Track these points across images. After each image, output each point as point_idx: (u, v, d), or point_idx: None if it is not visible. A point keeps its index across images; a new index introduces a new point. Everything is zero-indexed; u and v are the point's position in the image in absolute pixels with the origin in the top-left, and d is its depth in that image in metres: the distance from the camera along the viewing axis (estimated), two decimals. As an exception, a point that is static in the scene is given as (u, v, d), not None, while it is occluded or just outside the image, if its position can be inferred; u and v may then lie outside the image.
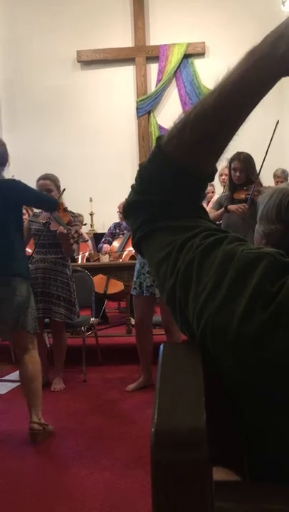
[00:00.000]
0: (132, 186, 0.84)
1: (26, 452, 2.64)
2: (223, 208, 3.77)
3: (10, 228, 2.75)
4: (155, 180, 0.79)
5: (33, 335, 2.83)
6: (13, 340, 2.82)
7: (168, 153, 0.76)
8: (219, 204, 3.90)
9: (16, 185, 2.85)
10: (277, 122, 3.73)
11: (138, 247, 0.83)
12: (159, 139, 0.81)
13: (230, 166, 3.74)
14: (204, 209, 0.85)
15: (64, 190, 3.68)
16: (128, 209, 0.84)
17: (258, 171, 3.73)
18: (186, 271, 0.69)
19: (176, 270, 0.71)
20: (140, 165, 0.83)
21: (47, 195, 3.43)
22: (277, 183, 5.29)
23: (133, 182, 0.85)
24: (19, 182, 2.88)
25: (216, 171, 0.83)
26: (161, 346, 0.62)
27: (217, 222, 4.09)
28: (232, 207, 3.68)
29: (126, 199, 0.85)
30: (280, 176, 5.54)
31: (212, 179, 0.82)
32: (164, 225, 0.77)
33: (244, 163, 3.65)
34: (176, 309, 0.72)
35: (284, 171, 5.58)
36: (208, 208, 5.34)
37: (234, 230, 3.62)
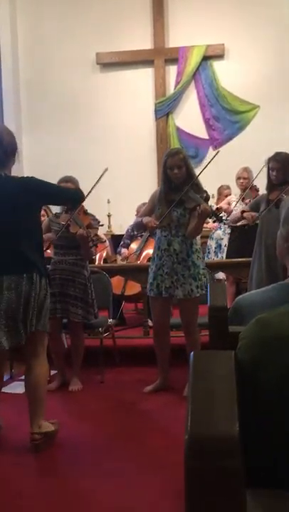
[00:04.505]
0: None
1: (33, 458, 2.60)
2: (239, 213, 3.90)
3: (27, 228, 2.63)
4: None
5: (46, 336, 2.78)
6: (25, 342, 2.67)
7: None
8: (256, 204, 3.93)
9: (33, 183, 2.68)
10: None
11: None
12: None
13: (268, 165, 3.75)
14: None
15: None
16: None
17: None
18: None
19: None
20: None
21: (68, 189, 3.22)
22: None
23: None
24: (35, 179, 2.69)
25: None
26: (192, 354, 0.62)
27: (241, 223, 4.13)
28: (246, 214, 3.83)
29: None
30: None
31: None
32: None
33: (281, 163, 3.64)
34: None
35: None
36: (241, 208, 5.37)
37: (269, 230, 3.64)
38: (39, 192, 2.70)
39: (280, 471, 0.63)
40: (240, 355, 0.65)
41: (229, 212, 5.58)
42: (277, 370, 0.63)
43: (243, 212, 3.85)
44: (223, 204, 5.84)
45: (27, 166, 7.64)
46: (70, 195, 3.04)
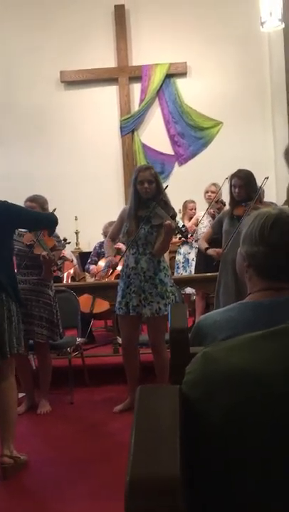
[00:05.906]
0: None
1: (0, 483, 2.54)
2: (204, 249, 3.88)
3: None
4: None
5: (14, 358, 2.75)
6: None
7: None
8: (219, 222, 3.89)
9: (5, 207, 2.69)
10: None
11: None
12: None
13: (230, 182, 3.73)
14: None
15: (55, 209, 3.60)
16: None
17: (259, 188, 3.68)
18: None
19: None
20: None
21: (40, 214, 3.24)
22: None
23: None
24: (8, 203, 2.71)
25: None
26: (138, 390, 0.62)
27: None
28: (210, 251, 3.79)
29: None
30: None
31: None
32: None
33: (243, 180, 3.62)
34: None
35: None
36: (200, 228, 5.46)
37: (233, 248, 3.66)
38: (11, 216, 2.70)
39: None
40: (186, 391, 0.65)
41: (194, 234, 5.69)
42: (221, 408, 0.63)
43: (206, 249, 3.81)
44: (191, 224, 5.89)
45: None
46: (43, 220, 3.04)
